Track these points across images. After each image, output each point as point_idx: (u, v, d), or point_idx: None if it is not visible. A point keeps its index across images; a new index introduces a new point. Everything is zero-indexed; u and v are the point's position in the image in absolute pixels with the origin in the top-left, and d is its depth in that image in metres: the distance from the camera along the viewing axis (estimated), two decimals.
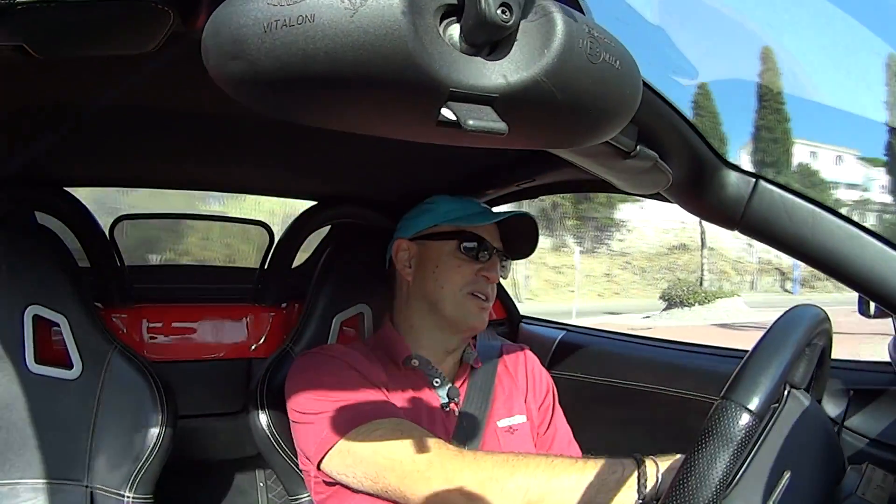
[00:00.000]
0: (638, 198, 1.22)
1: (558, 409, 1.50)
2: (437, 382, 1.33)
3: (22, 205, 1.65)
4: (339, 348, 1.32)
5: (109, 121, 1.30)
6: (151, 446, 1.46)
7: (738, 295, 22.96)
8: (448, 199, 1.42)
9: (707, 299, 21.77)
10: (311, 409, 1.21)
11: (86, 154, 1.56)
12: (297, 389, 1.26)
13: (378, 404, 1.19)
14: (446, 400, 1.32)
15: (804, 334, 0.85)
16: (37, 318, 1.47)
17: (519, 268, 25.38)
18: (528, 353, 1.55)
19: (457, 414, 1.32)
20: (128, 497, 1.44)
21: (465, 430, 1.30)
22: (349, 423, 1.15)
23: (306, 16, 0.46)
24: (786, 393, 0.93)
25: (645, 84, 0.72)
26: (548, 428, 1.44)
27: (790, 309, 0.90)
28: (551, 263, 28.74)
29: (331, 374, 1.23)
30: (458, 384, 1.36)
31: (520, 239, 1.40)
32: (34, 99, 1.16)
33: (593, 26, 0.56)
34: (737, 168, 1.07)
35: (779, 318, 0.87)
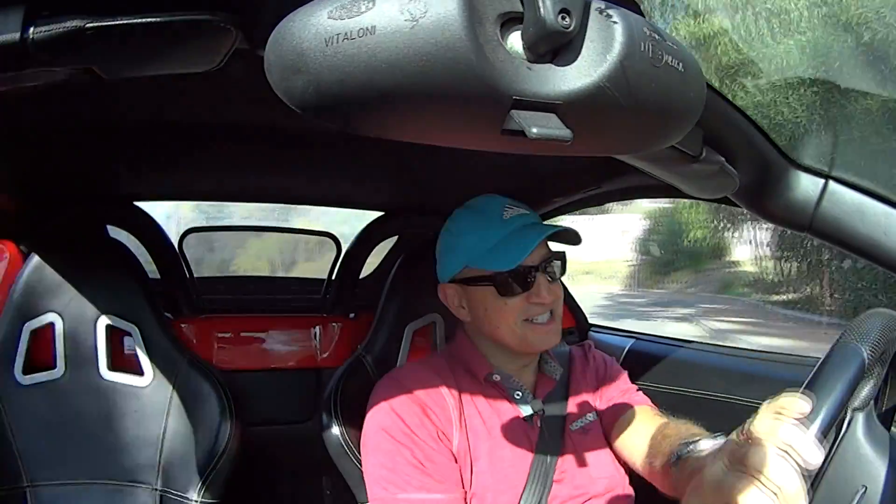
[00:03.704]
0: None
1: (619, 385, 1.45)
2: (518, 395, 1.32)
3: (94, 219, 1.72)
4: (417, 374, 1.31)
5: (176, 137, 1.34)
6: (220, 452, 1.50)
7: None
8: (468, 222, 1.34)
9: None
10: (372, 467, 1.24)
11: (154, 169, 1.62)
12: (372, 431, 1.27)
13: (431, 499, 1.18)
14: (530, 413, 1.31)
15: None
16: (109, 328, 1.53)
17: None
18: (591, 347, 1.53)
19: (539, 425, 1.31)
20: (196, 501, 1.48)
21: (546, 441, 1.29)
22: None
23: (367, 28, 0.46)
24: (859, 408, 0.89)
25: (709, 86, 0.70)
26: (609, 405, 1.40)
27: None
28: None
29: (400, 431, 1.22)
30: (539, 396, 1.34)
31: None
32: (104, 117, 1.20)
33: (654, 29, 0.55)
34: (806, 168, 1.03)
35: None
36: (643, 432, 1.28)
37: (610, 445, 1.36)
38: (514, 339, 1.27)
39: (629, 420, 1.33)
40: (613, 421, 1.36)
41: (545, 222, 1.35)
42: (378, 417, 1.26)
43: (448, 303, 1.37)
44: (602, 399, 1.40)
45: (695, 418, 1.28)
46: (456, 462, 1.23)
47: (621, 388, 1.42)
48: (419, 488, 1.17)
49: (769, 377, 1.61)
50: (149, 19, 0.57)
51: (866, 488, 0.78)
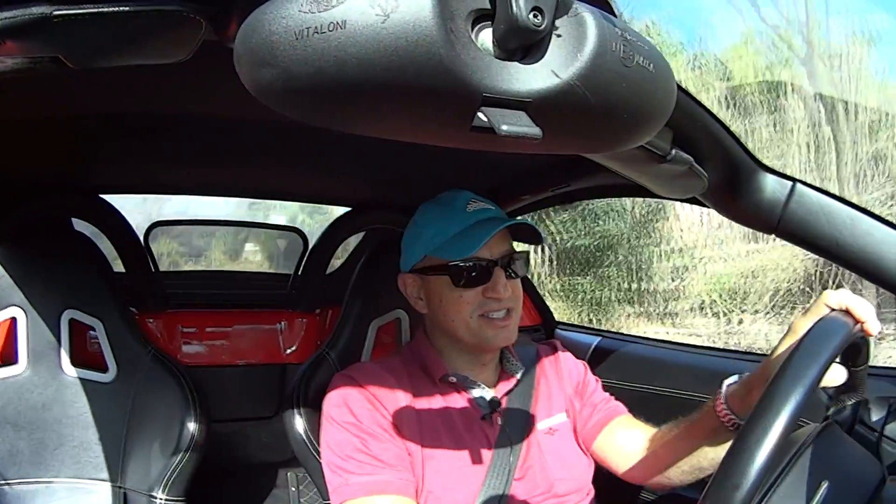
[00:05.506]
0: None
1: (599, 392, 1.45)
2: (476, 394, 1.32)
3: (59, 211, 1.68)
4: (372, 371, 1.30)
5: (143, 128, 1.31)
6: (184, 449, 1.48)
7: None
8: (433, 214, 1.34)
9: None
10: (327, 457, 1.24)
11: (121, 161, 1.59)
12: (325, 422, 1.27)
13: (382, 479, 1.18)
14: (488, 410, 1.30)
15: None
16: (73, 322, 1.49)
17: None
18: (559, 347, 1.52)
19: (499, 423, 1.30)
20: (160, 499, 1.45)
21: (507, 438, 1.28)
22: (350, 492, 1.18)
23: (338, 22, 0.46)
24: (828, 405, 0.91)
25: (679, 87, 0.71)
26: (593, 410, 1.40)
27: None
28: None
29: (350, 423, 1.23)
30: (499, 393, 1.33)
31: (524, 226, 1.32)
32: (70, 108, 1.17)
33: (626, 29, 0.55)
34: (773, 171, 1.05)
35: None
36: (637, 439, 1.32)
37: (587, 450, 1.37)
38: (469, 334, 1.26)
39: (620, 428, 1.36)
40: (597, 431, 1.37)
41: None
42: (329, 410, 1.26)
43: (407, 293, 1.36)
44: (580, 405, 1.40)
45: (660, 415, 1.30)
46: (409, 455, 1.22)
47: (602, 397, 1.43)
48: (369, 472, 1.17)
49: (734, 375, 1.64)
50: (117, 8, 0.56)
51: (830, 484, 0.80)
